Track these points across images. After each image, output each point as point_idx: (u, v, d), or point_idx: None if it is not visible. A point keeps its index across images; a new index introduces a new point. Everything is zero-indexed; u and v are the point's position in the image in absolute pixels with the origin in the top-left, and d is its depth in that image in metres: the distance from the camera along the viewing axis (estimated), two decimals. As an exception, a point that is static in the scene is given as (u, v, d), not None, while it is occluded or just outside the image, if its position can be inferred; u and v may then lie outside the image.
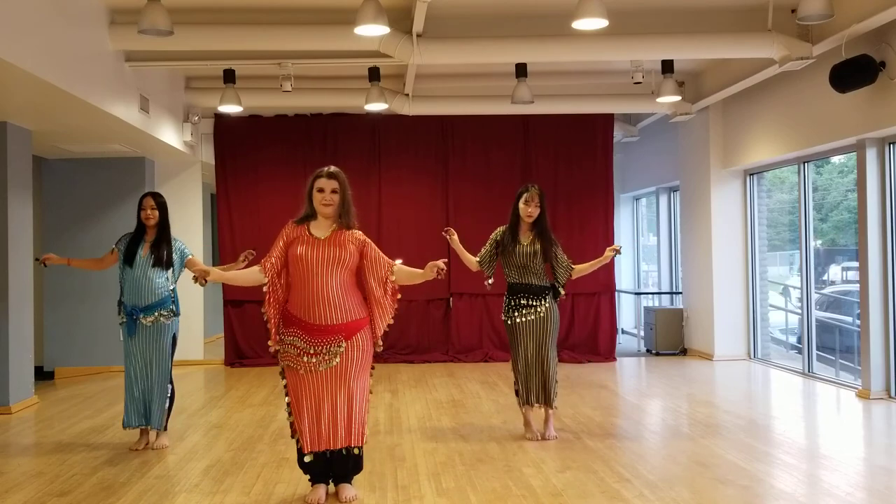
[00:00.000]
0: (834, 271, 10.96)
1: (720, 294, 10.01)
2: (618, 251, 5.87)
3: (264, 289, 4.41)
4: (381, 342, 4.54)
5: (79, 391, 8.46)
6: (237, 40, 7.27)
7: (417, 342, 10.44)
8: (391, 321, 4.52)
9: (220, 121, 10.32)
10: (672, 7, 7.36)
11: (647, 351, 11.08)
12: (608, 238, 10.60)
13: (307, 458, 4.41)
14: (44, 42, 5.80)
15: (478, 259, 5.98)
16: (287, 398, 4.46)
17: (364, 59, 7.87)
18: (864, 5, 6.36)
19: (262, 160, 10.40)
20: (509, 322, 5.91)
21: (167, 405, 5.88)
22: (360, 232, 4.51)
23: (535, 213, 5.84)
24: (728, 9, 7.39)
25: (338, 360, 4.31)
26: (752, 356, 10.02)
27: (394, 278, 4.46)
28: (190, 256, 5.94)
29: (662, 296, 12.33)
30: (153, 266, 5.74)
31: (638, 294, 12.56)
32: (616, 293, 10.92)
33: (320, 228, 4.44)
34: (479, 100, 9.72)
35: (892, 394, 7.35)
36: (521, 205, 5.86)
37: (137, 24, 5.97)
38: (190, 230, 10.16)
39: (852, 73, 6.87)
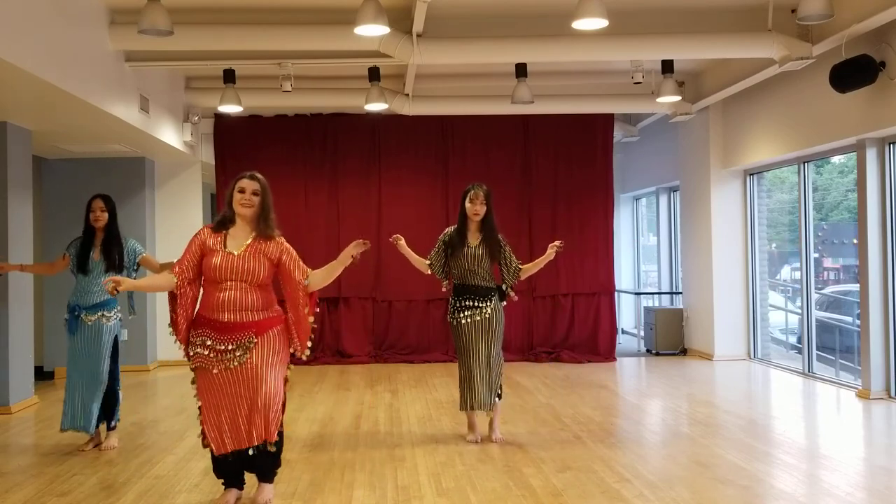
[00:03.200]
0: (785, 272, 11.39)
1: (720, 294, 10.01)
2: (559, 247, 5.77)
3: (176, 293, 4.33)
4: (307, 352, 4.43)
5: (79, 391, 8.45)
6: (237, 40, 7.27)
7: (417, 342, 10.44)
8: (312, 334, 4.40)
9: (220, 121, 10.32)
10: (672, 7, 7.36)
11: (647, 351, 11.08)
12: (608, 238, 10.62)
13: (230, 458, 4.31)
14: (44, 42, 5.80)
15: (428, 262, 5.91)
16: (199, 403, 4.36)
17: (364, 59, 7.87)
18: (864, 5, 6.36)
19: (262, 160, 10.34)
20: (454, 323, 5.82)
21: (113, 406, 5.86)
22: (282, 239, 4.43)
23: (481, 212, 5.78)
24: (728, 9, 7.39)
25: (248, 356, 4.22)
26: (752, 356, 10.01)
27: (306, 283, 4.37)
28: (143, 254, 5.93)
29: (662, 296, 12.33)
30: (106, 271, 5.71)
31: (638, 294, 12.55)
32: (616, 293, 10.92)
33: (237, 239, 4.36)
34: (479, 100, 9.72)
35: (892, 394, 7.35)
36: (466, 203, 5.80)
37: (137, 24, 5.97)
38: (190, 230, 10.07)
39: (852, 73, 6.87)
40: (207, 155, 10.52)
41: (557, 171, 10.60)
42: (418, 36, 7.10)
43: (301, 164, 10.38)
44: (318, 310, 4.47)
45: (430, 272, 5.94)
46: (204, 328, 4.30)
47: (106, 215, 5.79)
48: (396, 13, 6.93)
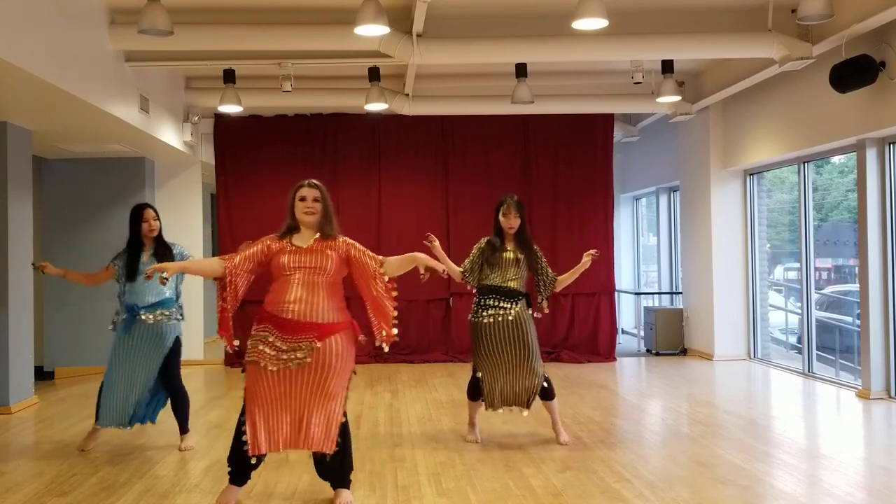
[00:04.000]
0: (778, 271, 11.47)
1: (720, 294, 10.01)
2: (594, 255, 5.76)
3: (220, 301, 4.32)
4: (386, 345, 4.42)
5: (79, 391, 8.46)
6: (237, 40, 7.27)
7: (417, 342, 10.43)
8: (395, 319, 4.41)
9: (220, 121, 10.32)
10: (672, 7, 7.36)
11: (647, 351, 11.08)
12: (608, 238, 10.61)
13: (252, 460, 4.26)
14: (44, 42, 5.80)
15: (462, 269, 5.85)
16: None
17: (364, 59, 7.87)
18: (864, 5, 6.36)
19: (262, 160, 10.39)
20: (476, 321, 5.77)
21: (183, 407, 5.82)
22: (344, 237, 4.47)
23: (515, 225, 5.76)
24: (728, 9, 7.39)
25: (309, 360, 4.22)
26: (752, 356, 10.01)
27: (382, 271, 4.41)
28: (191, 258, 5.90)
29: (662, 296, 12.33)
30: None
31: (638, 294, 12.55)
32: (616, 293, 10.92)
33: (302, 240, 4.41)
34: (479, 100, 9.72)
35: (892, 394, 7.35)
36: (500, 217, 5.79)
37: (137, 24, 5.96)
38: (190, 230, 10.16)
39: (852, 73, 6.87)
40: (207, 155, 10.52)
41: (557, 171, 10.60)
42: (418, 36, 7.10)
43: (301, 164, 10.36)
44: (395, 303, 4.43)
45: (462, 280, 5.88)
46: (266, 323, 4.29)
47: (158, 224, 5.76)
48: (396, 13, 6.93)
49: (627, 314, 13.38)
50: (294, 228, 4.46)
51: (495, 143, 10.57)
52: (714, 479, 4.87)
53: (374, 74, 8.20)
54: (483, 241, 5.91)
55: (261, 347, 4.27)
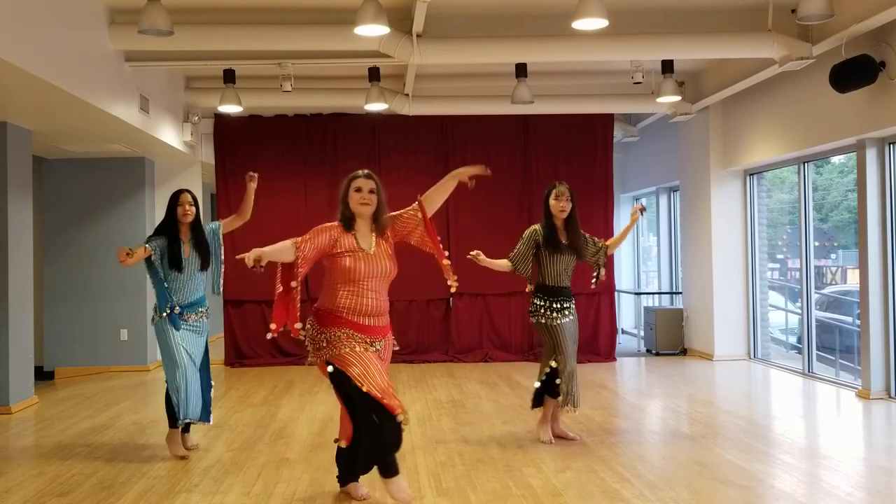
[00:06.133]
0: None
1: (720, 294, 10.01)
2: (642, 210, 5.83)
3: (288, 290, 4.25)
4: (454, 281, 4.57)
5: (79, 391, 8.46)
6: (237, 40, 7.27)
7: (417, 342, 10.43)
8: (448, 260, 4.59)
9: (220, 121, 10.32)
10: (672, 7, 7.36)
11: (647, 351, 11.08)
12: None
13: (401, 421, 4.21)
14: (44, 42, 5.80)
15: (510, 260, 5.81)
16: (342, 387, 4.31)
17: (364, 59, 7.87)
18: (864, 5, 6.36)
19: (262, 160, 10.36)
20: (551, 323, 5.72)
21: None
22: (389, 221, 4.54)
23: (567, 208, 5.75)
24: (728, 9, 7.39)
25: (378, 349, 4.36)
26: (752, 356, 10.01)
27: (420, 215, 4.55)
28: (222, 224, 5.93)
29: (662, 296, 12.33)
30: (200, 269, 5.69)
31: (638, 294, 12.55)
32: (616, 293, 10.92)
33: (365, 238, 4.42)
34: (479, 100, 9.71)
35: (892, 394, 7.35)
36: (551, 201, 5.77)
37: (137, 24, 5.97)
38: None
39: (852, 73, 6.87)
40: (207, 155, 10.52)
41: (557, 171, 10.56)
42: (418, 36, 7.10)
43: (301, 164, 10.37)
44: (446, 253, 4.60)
45: (510, 270, 5.84)
46: (347, 328, 4.26)
47: (194, 210, 5.73)
48: (396, 13, 6.93)
49: (627, 314, 13.38)
50: (353, 219, 4.44)
51: (495, 143, 10.56)
52: (714, 479, 4.87)
53: (374, 74, 8.20)
54: (536, 230, 5.83)
55: (345, 340, 4.24)
